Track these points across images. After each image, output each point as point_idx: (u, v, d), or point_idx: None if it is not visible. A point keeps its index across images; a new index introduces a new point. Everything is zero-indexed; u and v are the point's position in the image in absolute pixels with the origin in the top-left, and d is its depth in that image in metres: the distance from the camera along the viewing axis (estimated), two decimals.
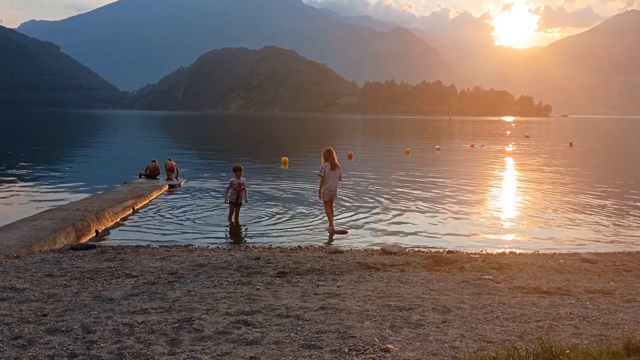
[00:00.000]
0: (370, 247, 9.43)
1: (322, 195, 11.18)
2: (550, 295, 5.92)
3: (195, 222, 11.72)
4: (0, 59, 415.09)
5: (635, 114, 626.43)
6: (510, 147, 41.38)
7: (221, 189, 16.79)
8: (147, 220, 11.94)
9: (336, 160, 11.17)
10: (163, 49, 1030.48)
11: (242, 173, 12.00)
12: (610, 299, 5.78)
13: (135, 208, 13.01)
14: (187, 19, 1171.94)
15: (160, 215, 12.52)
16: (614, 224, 12.23)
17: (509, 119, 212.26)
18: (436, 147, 38.10)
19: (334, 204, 11.52)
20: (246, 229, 11.10)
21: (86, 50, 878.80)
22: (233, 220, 11.68)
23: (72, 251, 8.33)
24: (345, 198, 14.81)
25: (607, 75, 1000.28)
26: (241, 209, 12.00)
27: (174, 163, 18.52)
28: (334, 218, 11.39)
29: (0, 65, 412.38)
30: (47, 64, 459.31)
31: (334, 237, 10.51)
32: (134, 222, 11.76)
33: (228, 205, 11.80)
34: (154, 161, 18.41)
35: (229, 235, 10.66)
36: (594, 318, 4.98)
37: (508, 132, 68.58)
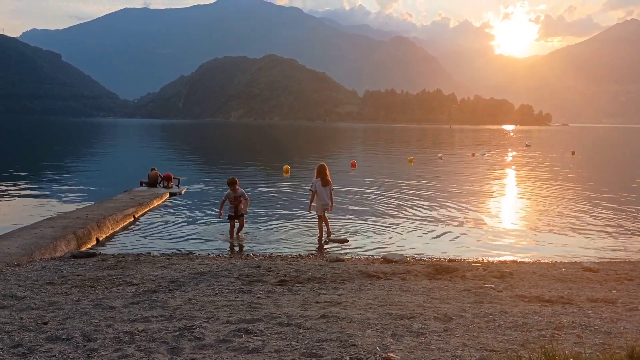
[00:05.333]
0: (371, 256, 9.42)
1: (316, 210, 11.20)
2: (552, 304, 5.90)
3: (195, 231, 11.71)
4: (1, 68, 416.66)
5: (635, 123, 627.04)
6: (511, 156, 41.40)
7: (222, 197, 16.80)
8: (148, 228, 11.94)
9: (328, 177, 11.19)
10: (164, 57, 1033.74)
11: (238, 185, 11.25)
12: (613, 308, 5.76)
13: (136, 216, 13.01)
14: (188, 29, 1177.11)
15: (160, 223, 12.52)
16: (616, 233, 12.20)
17: (509, 127, 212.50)
18: (439, 155, 38.11)
19: (327, 217, 11.46)
20: (247, 237, 11.05)
21: (87, 59, 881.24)
22: (235, 236, 10.95)
23: (73, 259, 8.32)
24: (347, 206, 14.81)
25: (607, 84, 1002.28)
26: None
27: (170, 174, 18.58)
28: (331, 228, 11.37)
29: (2, 74, 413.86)
30: (49, 72, 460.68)
31: (329, 242, 10.50)
32: (134, 230, 11.75)
33: (224, 218, 11.29)
34: (154, 169, 18.43)
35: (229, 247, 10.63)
36: (596, 327, 4.96)
37: (511, 134, 67.53)
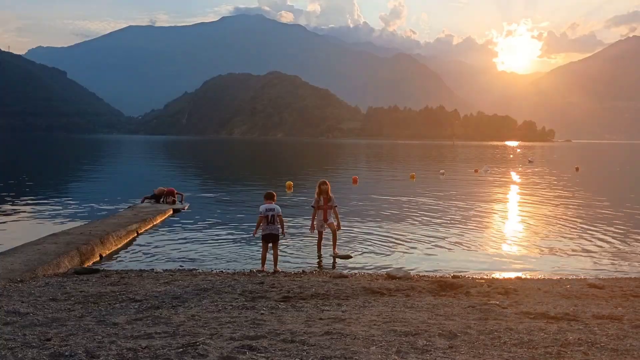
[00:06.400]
0: (374, 272, 9.38)
1: (317, 227, 11.19)
2: (557, 321, 5.86)
3: (199, 247, 11.70)
4: (7, 85, 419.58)
5: (638, 139, 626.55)
6: (514, 172, 41.35)
7: (225, 213, 16.82)
8: (151, 244, 11.93)
9: (330, 194, 11.18)
10: (168, 75, 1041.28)
11: (275, 201, 9.82)
12: (619, 325, 5.71)
13: (139, 232, 13.01)
14: (192, 46, 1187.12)
15: (164, 239, 12.51)
16: (621, 249, 12.14)
17: (512, 143, 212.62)
18: (440, 171, 38.08)
19: (337, 234, 11.39)
20: (250, 253, 11.02)
21: (92, 76, 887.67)
22: (269, 258, 9.64)
23: (76, 275, 8.32)
24: (349, 222, 14.78)
25: (610, 101, 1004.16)
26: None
27: (174, 189, 18.64)
28: (338, 244, 11.31)
29: (8, 91, 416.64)
30: (54, 89, 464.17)
31: (337, 262, 10.48)
32: (138, 246, 11.74)
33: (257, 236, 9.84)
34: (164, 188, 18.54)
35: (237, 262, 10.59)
36: (602, 344, 4.91)
37: (511, 156, 66.48)
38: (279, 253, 9.96)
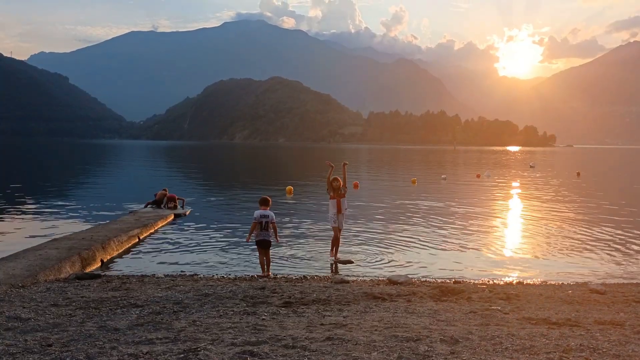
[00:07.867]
0: (376, 277, 9.38)
1: (330, 221, 11.21)
2: (559, 327, 5.84)
3: (200, 252, 11.70)
4: (10, 90, 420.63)
5: (639, 144, 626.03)
6: (515, 177, 41.31)
7: (227, 218, 16.82)
8: (153, 249, 11.94)
9: (341, 188, 11.20)
10: (170, 80, 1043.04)
11: (269, 206, 9.75)
12: (621, 330, 5.70)
13: (141, 237, 13.02)
14: (194, 51, 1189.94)
15: (165, 244, 12.52)
16: (623, 255, 12.12)
17: (514, 148, 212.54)
18: (442, 176, 38.07)
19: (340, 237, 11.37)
20: (251, 258, 11.02)
21: (94, 81, 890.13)
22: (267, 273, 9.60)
23: (77, 280, 8.31)
24: (350, 227, 14.78)
25: (611, 105, 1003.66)
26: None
27: (175, 195, 18.66)
28: (340, 247, 11.31)
29: (10, 96, 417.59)
30: (56, 95, 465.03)
31: (339, 267, 10.48)
32: (139, 251, 11.75)
33: (251, 242, 9.83)
34: (165, 190, 18.53)
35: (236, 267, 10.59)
36: (604, 350, 4.90)
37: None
38: (271, 258, 10.01)
